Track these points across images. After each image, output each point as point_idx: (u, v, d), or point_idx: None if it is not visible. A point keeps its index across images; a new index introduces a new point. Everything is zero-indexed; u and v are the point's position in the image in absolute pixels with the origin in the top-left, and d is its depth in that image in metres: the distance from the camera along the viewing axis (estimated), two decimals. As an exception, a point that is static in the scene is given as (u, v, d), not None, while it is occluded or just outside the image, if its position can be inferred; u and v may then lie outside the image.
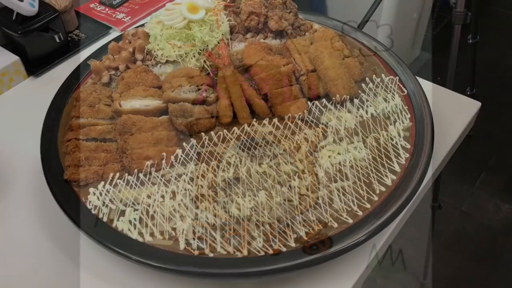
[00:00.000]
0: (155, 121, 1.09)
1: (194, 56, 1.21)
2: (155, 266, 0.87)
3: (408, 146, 1.08)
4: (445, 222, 2.55)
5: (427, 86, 1.31)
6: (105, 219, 0.97)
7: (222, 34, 1.24)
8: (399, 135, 1.10)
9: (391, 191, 0.99)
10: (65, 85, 1.25)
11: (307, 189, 1.00)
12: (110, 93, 1.16)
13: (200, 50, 1.22)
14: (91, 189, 1.02)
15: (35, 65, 1.44)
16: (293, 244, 0.91)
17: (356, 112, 1.16)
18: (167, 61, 1.21)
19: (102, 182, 1.03)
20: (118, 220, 0.96)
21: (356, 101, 1.19)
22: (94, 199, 1.00)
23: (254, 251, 0.90)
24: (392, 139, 1.09)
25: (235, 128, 1.13)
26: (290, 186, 1.01)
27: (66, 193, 1.01)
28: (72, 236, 0.99)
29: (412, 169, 1.02)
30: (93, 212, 0.98)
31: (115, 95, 1.14)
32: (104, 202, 0.99)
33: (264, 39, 1.28)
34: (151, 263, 0.88)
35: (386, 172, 1.02)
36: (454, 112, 1.25)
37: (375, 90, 1.21)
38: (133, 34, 1.24)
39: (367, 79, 1.24)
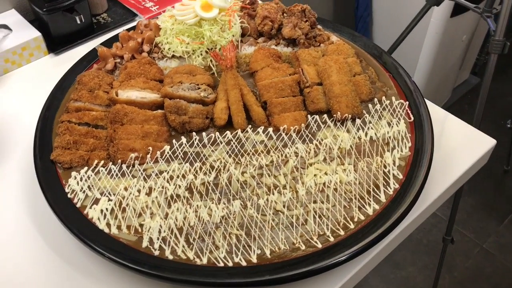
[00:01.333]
0: (148, 114, 1.09)
1: (201, 54, 1.20)
2: (112, 259, 0.87)
3: (400, 176, 1.02)
4: (462, 256, 2.43)
5: (442, 115, 1.24)
6: (78, 205, 0.97)
7: (233, 36, 1.22)
8: (394, 163, 1.05)
9: (369, 221, 0.94)
10: (75, 66, 1.28)
11: (284, 206, 0.97)
12: (112, 81, 1.17)
13: (208, 49, 1.21)
14: (74, 173, 1.03)
15: (57, 43, 1.48)
16: (254, 260, 0.88)
17: (355, 133, 1.11)
18: (173, 56, 1.21)
19: (86, 168, 1.04)
20: (91, 207, 0.97)
21: (358, 121, 1.14)
22: (74, 183, 1.01)
23: (214, 260, 0.88)
24: (385, 167, 1.04)
25: (228, 132, 1.12)
26: (267, 199, 0.98)
27: (49, 173, 1.03)
28: (48, 215, 1.01)
29: (398, 201, 0.97)
30: (69, 196, 0.99)
31: (115, 83, 1.15)
32: (82, 188, 1.00)
33: (276, 45, 1.25)
34: (109, 256, 0.87)
35: (370, 201, 0.98)
36: (465, 147, 1.17)
37: (381, 112, 1.16)
38: (145, 25, 1.25)
39: (375, 99, 1.19)
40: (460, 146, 1.17)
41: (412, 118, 1.14)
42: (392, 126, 1.13)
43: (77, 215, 0.95)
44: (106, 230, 0.93)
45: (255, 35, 1.26)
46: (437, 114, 1.25)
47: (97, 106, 1.12)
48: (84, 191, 1.00)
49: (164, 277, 0.85)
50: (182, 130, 1.11)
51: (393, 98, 1.19)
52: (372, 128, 1.12)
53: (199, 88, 1.14)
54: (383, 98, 1.19)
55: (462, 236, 2.51)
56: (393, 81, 1.24)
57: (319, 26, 1.32)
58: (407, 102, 1.18)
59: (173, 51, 1.20)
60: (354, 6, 2.74)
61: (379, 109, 1.17)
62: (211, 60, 1.21)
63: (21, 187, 1.09)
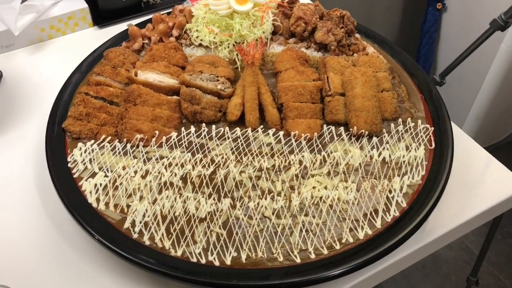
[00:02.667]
0: (161, 98, 1.10)
1: (228, 47, 1.19)
2: (90, 233, 0.88)
3: (404, 205, 0.96)
4: (490, 301, 2.27)
5: (474, 148, 1.15)
6: (76, 175, 1.00)
7: (263, 32, 1.19)
8: (401, 189, 0.98)
9: (356, 246, 0.89)
10: (109, 42, 1.30)
11: (273, 213, 0.94)
12: (136, 60, 1.18)
13: (236, 42, 1.19)
14: (80, 144, 1.06)
15: (103, 17, 1.52)
16: (228, 262, 0.86)
17: (368, 151, 1.06)
18: (200, 45, 1.21)
19: (93, 141, 1.06)
20: (86, 180, 0.99)
21: (375, 139, 1.08)
22: (77, 154, 1.04)
23: (188, 254, 0.87)
24: (390, 192, 0.98)
25: (237, 128, 1.10)
26: (258, 203, 0.95)
27: (57, 140, 1.06)
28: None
29: (394, 231, 0.91)
30: (69, 165, 1.01)
31: (138, 63, 1.16)
32: (84, 160, 1.03)
33: (306, 48, 1.21)
34: (88, 229, 0.89)
35: (364, 224, 0.92)
36: (490, 186, 1.08)
37: (402, 134, 1.10)
38: (180, 10, 1.25)
39: (400, 120, 1.13)
40: (486, 183, 1.08)
41: (433, 146, 1.07)
42: (410, 151, 1.06)
43: (71, 185, 0.97)
44: (94, 204, 0.95)
45: (287, 35, 1.23)
46: (469, 147, 1.16)
47: (117, 83, 1.14)
48: (84, 163, 1.02)
49: (135, 261, 0.85)
50: (193, 120, 1.11)
51: (419, 122, 1.12)
52: (387, 149, 1.06)
53: (217, 80, 1.13)
54: (409, 119, 1.12)
55: (496, 280, 2.34)
56: (424, 103, 1.16)
57: (357, 35, 1.26)
58: (433, 128, 1.10)
59: (201, 40, 1.19)
60: (422, 19, 2.61)
61: (401, 131, 1.10)
62: (237, 54, 1.20)
63: (35, 149, 1.13)
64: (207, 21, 1.19)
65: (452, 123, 1.14)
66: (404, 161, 1.04)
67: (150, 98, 1.08)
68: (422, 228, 0.94)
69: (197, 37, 1.19)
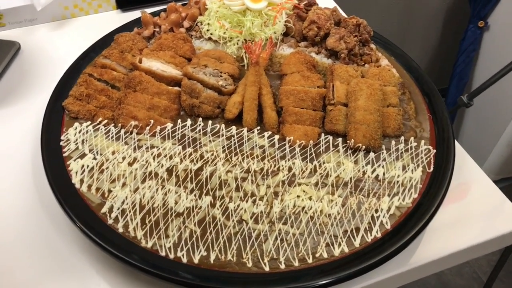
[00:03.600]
0: (162, 88, 1.09)
1: (237, 43, 1.18)
2: (67, 213, 0.89)
3: (388, 226, 0.92)
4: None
5: (481, 178, 1.09)
6: (65, 154, 1.01)
7: (274, 33, 1.17)
8: (388, 210, 0.95)
9: (329, 262, 0.86)
10: (123, 27, 1.31)
11: (251, 217, 0.92)
12: (144, 47, 1.19)
13: (245, 40, 1.17)
14: (76, 124, 1.07)
15: (127, 1, 1.53)
16: (196, 261, 0.85)
17: (362, 167, 1.02)
18: (210, 39, 1.20)
19: (89, 122, 1.07)
20: (75, 160, 1.00)
21: (371, 155, 1.04)
22: (72, 133, 1.05)
23: (157, 247, 0.86)
24: (376, 211, 0.95)
25: (233, 127, 1.08)
26: (238, 205, 0.94)
27: (55, 117, 1.07)
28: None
29: (371, 253, 0.87)
30: (61, 143, 1.03)
31: (145, 51, 1.16)
32: (76, 140, 1.04)
33: (316, 54, 1.18)
34: (65, 208, 0.90)
35: (342, 241, 0.89)
36: (489, 220, 1.03)
37: (401, 152, 1.05)
38: (196, 1, 1.24)
39: (402, 138, 1.08)
40: (484, 217, 1.03)
41: (431, 169, 1.02)
42: (406, 171, 1.02)
43: (59, 162, 0.99)
44: (77, 185, 0.95)
45: (299, 38, 1.20)
46: (476, 176, 1.10)
47: (122, 67, 1.14)
48: (76, 143, 1.03)
49: (103, 246, 0.85)
50: (190, 113, 1.10)
51: (422, 142, 1.07)
52: (383, 166, 1.02)
53: (220, 76, 1.12)
54: (412, 138, 1.08)
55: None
56: (431, 124, 1.12)
57: (372, 45, 1.22)
58: (435, 151, 1.05)
59: (211, 34, 1.18)
60: (461, 36, 2.51)
61: (401, 149, 1.06)
62: (245, 52, 1.18)
63: (37, 123, 1.14)
64: (219, 15, 1.18)
65: (465, 152, 1.10)
66: (397, 181, 1.00)
67: (150, 86, 1.08)
68: (405, 253, 0.90)
69: (207, 30, 1.19)
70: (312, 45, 1.19)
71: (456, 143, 1.18)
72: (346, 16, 1.23)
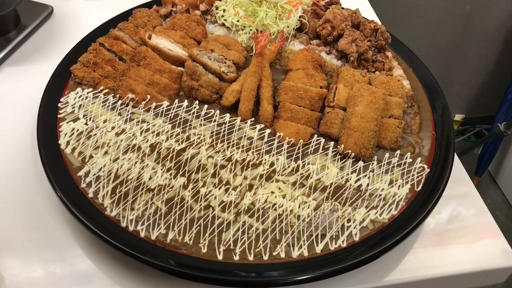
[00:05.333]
0: (165, 66, 1.11)
1: (249, 33, 1.17)
2: (45, 169, 0.93)
3: (356, 238, 0.89)
4: None
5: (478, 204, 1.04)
6: (60, 116, 1.05)
7: (287, 27, 1.15)
8: (361, 222, 0.91)
9: (283, 263, 0.84)
10: (146, 4, 1.33)
11: (219, 204, 0.92)
12: (158, 24, 1.20)
13: (257, 30, 1.16)
14: (79, 89, 1.10)
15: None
16: (153, 237, 0.86)
17: (347, 174, 0.99)
18: (223, 25, 1.19)
19: (91, 89, 1.11)
20: (67, 122, 1.03)
21: (360, 163, 1.01)
22: (72, 97, 1.09)
23: (120, 218, 0.88)
24: (348, 221, 0.91)
25: (227, 115, 1.08)
26: (209, 191, 0.94)
27: (60, 80, 1.12)
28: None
29: (331, 261, 0.85)
30: (59, 105, 1.06)
31: (158, 28, 1.18)
32: (74, 104, 1.07)
33: (327, 54, 1.15)
34: (44, 163, 0.94)
35: (304, 245, 0.87)
36: (471, 251, 0.97)
37: (393, 166, 1.01)
38: (216, -14, 1.24)
39: (398, 151, 1.04)
40: (467, 247, 0.97)
41: (419, 189, 0.97)
42: (392, 186, 0.98)
43: (51, 122, 1.03)
44: (62, 146, 0.99)
45: (312, 35, 1.17)
46: (474, 202, 1.05)
47: (133, 41, 1.17)
48: (73, 107, 1.07)
49: (68, 206, 0.87)
50: (188, 95, 1.11)
51: (418, 159, 1.02)
52: (369, 177, 0.99)
53: (224, 63, 1.11)
54: (408, 154, 1.03)
55: None
56: (433, 143, 1.06)
57: (389, 53, 1.18)
58: (429, 170, 1.00)
59: (225, 20, 1.18)
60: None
61: (394, 163, 1.02)
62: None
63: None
64: (236, 2, 1.17)
65: (468, 179, 1.06)
66: (380, 195, 0.96)
67: (154, 62, 1.10)
68: (372, 269, 0.87)
69: (222, 16, 1.19)
70: (324, 44, 1.16)
71: (462, 167, 1.12)
72: (368, 19, 1.19)
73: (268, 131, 1.06)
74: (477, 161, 2.67)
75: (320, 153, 1.02)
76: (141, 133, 1.03)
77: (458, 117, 2.94)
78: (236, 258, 0.84)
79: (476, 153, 2.85)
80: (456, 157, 1.12)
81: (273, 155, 1.01)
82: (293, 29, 1.17)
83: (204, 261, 0.83)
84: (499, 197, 2.73)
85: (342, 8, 1.23)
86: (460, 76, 2.70)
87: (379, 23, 1.38)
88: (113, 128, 1.03)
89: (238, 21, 1.17)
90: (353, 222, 0.91)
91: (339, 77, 1.10)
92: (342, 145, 1.01)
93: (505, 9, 2.37)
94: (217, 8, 1.20)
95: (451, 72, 2.67)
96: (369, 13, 1.49)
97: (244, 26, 1.17)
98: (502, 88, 2.51)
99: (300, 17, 1.16)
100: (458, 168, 1.11)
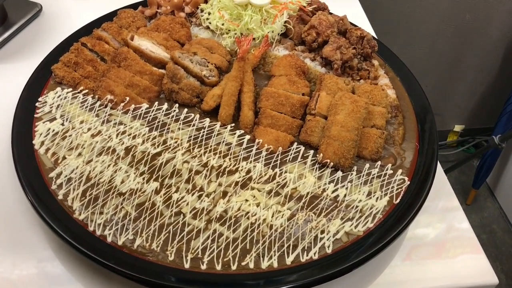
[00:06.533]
0: (145, 68, 1.09)
1: (233, 36, 1.15)
2: (16, 169, 0.92)
3: (329, 251, 0.86)
4: None
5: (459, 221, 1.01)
6: (37, 115, 1.03)
7: (272, 32, 1.13)
8: (335, 234, 0.89)
9: (251, 273, 0.82)
10: (132, 6, 1.31)
11: (191, 211, 0.90)
12: (142, 25, 1.19)
13: (241, 34, 1.14)
14: (58, 88, 1.09)
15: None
16: (120, 243, 0.84)
17: (324, 184, 0.97)
18: (208, 28, 1.18)
19: (70, 89, 1.09)
20: (44, 122, 1.02)
21: (339, 173, 0.98)
22: (51, 97, 1.07)
23: (88, 221, 0.86)
24: (322, 232, 0.89)
25: (207, 119, 1.06)
26: (182, 197, 0.92)
27: (40, 79, 1.10)
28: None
29: (301, 273, 0.82)
30: (37, 104, 1.05)
31: (141, 29, 1.17)
32: (52, 104, 1.06)
33: (311, 60, 1.13)
34: (15, 163, 0.92)
35: (275, 255, 0.85)
36: (447, 268, 0.94)
37: (372, 178, 0.99)
38: (202, -12, 1.23)
39: (379, 162, 1.01)
40: (443, 264, 0.95)
41: (398, 201, 0.95)
42: (370, 198, 0.95)
43: (27, 121, 1.01)
44: (36, 146, 0.97)
45: (297, 41, 1.16)
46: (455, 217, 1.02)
47: (116, 42, 1.15)
48: (51, 107, 1.05)
49: (36, 208, 0.86)
50: (168, 98, 1.09)
51: (399, 171, 1.00)
52: (347, 188, 0.96)
53: (206, 66, 1.10)
54: (389, 165, 1.01)
55: None
56: (416, 154, 1.04)
57: (375, 62, 1.15)
58: (409, 183, 0.98)
59: (209, 23, 1.16)
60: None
61: (373, 174, 0.99)
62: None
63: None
64: (221, 5, 1.15)
65: (452, 193, 1.04)
66: (356, 206, 0.94)
67: (134, 64, 1.08)
68: (343, 282, 0.85)
69: (207, 19, 1.17)
70: (309, 51, 1.14)
71: (447, 181, 1.10)
72: (355, 26, 1.17)
73: (247, 137, 1.04)
74: (475, 173, 2.63)
75: (299, 162, 1.00)
76: (117, 135, 1.01)
77: (457, 127, 2.90)
78: (204, 267, 0.82)
79: (474, 165, 2.81)
80: (441, 171, 1.10)
81: (251, 162, 0.99)
82: (278, 34, 1.15)
83: (170, 270, 0.81)
84: (496, 211, 2.69)
85: (330, 13, 1.21)
86: (460, 87, 2.66)
87: (372, 31, 1.36)
88: (89, 129, 1.02)
89: (223, 24, 1.15)
90: (327, 234, 0.89)
91: (322, 84, 1.08)
92: (321, 154, 0.99)
93: (506, 19, 2.33)
94: (202, 11, 1.19)
95: (451, 82, 2.63)
96: (362, 20, 1.47)
97: (228, 30, 1.15)
98: (502, 100, 2.47)
99: (285, 22, 1.15)
100: (442, 182, 1.08)
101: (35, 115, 1.03)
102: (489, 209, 2.72)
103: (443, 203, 1.05)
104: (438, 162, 1.04)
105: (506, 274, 2.39)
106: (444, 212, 1.04)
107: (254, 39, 1.12)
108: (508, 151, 2.52)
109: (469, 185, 2.68)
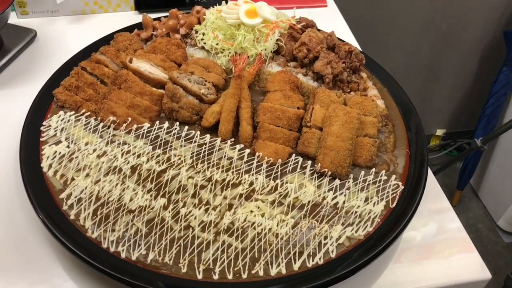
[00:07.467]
0: (145, 89, 1.13)
1: (228, 55, 1.20)
2: (27, 192, 0.94)
3: (333, 255, 0.91)
4: None
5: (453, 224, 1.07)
6: (43, 139, 1.06)
7: (265, 49, 1.19)
8: (338, 239, 0.94)
9: (262, 281, 0.86)
10: (127, 28, 1.36)
11: (199, 224, 0.94)
12: (139, 48, 1.23)
13: (235, 52, 1.20)
14: (61, 112, 1.12)
15: (146, 4, 1.59)
16: (133, 258, 0.88)
17: (324, 192, 1.02)
18: (203, 48, 1.23)
19: (73, 112, 1.13)
20: (50, 146, 1.05)
21: (336, 182, 1.04)
22: (55, 120, 1.10)
23: (101, 239, 0.89)
24: (325, 238, 0.94)
25: (208, 135, 1.11)
26: (190, 211, 0.96)
27: (43, 103, 1.13)
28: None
29: (307, 280, 0.87)
30: (42, 128, 1.08)
31: (139, 52, 1.21)
32: (56, 127, 1.09)
33: (304, 75, 1.19)
34: (26, 186, 0.95)
35: (282, 262, 0.89)
36: (447, 268, 0.99)
37: (368, 184, 1.04)
38: (197, 11, 1.28)
39: (373, 169, 1.07)
40: (443, 265, 1.00)
41: (393, 205, 1.00)
42: (368, 203, 1.00)
43: (34, 145, 1.04)
44: (45, 169, 1.00)
45: (289, 58, 1.21)
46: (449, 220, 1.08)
47: (114, 65, 1.19)
48: (56, 130, 1.08)
49: (50, 228, 0.89)
50: (169, 116, 1.13)
51: (393, 177, 1.05)
52: (345, 195, 1.01)
53: (204, 85, 1.14)
54: (383, 172, 1.06)
55: None
56: (407, 161, 1.10)
57: (363, 74, 1.22)
58: (403, 187, 1.03)
59: (204, 43, 1.21)
60: (494, 79, 2.43)
61: (369, 181, 1.05)
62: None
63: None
64: (215, 26, 1.21)
65: (443, 195, 1.09)
66: (356, 212, 0.99)
67: (134, 85, 1.12)
68: (345, 285, 0.89)
69: (201, 39, 1.22)
70: (301, 66, 1.20)
71: (437, 183, 1.16)
72: (344, 42, 1.23)
73: (247, 151, 1.08)
74: (458, 175, 2.72)
75: (298, 172, 1.05)
76: (122, 155, 1.05)
77: (439, 132, 3.00)
78: (216, 277, 0.86)
79: (458, 167, 2.91)
80: (431, 174, 1.16)
81: (253, 175, 1.04)
82: (271, 51, 1.20)
83: (184, 281, 0.85)
84: (480, 210, 2.78)
85: (318, 30, 1.27)
86: (440, 92, 2.76)
87: (356, 44, 1.43)
88: (94, 150, 1.05)
89: (217, 44, 1.20)
90: (330, 239, 0.93)
91: (315, 98, 1.14)
92: (319, 164, 1.04)
93: (479, 28, 2.44)
94: (196, 32, 1.24)
95: (432, 88, 2.73)
96: (346, 34, 1.54)
97: (223, 49, 1.20)
98: (481, 104, 2.58)
99: (277, 40, 1.20)
100: (433, 185, 1.14)
101: (41, 139, 1.06)
102: (474, 209, 2.81)
103: (434, 205, 1.10)
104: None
105: (493, 271, 2.46)
106: (435, 214, 1.09)
107: (248, 57, 1.17)
108: (489, 152, 2.62)
109: (454, 187, 2.76)
